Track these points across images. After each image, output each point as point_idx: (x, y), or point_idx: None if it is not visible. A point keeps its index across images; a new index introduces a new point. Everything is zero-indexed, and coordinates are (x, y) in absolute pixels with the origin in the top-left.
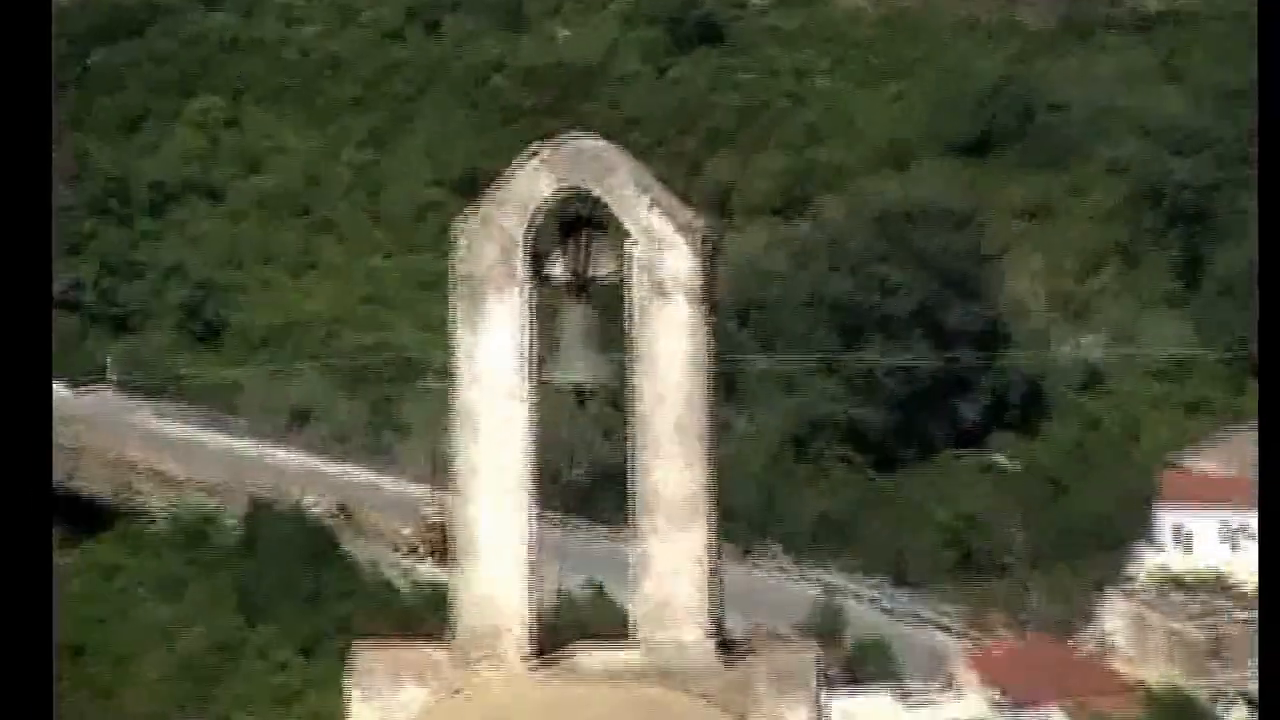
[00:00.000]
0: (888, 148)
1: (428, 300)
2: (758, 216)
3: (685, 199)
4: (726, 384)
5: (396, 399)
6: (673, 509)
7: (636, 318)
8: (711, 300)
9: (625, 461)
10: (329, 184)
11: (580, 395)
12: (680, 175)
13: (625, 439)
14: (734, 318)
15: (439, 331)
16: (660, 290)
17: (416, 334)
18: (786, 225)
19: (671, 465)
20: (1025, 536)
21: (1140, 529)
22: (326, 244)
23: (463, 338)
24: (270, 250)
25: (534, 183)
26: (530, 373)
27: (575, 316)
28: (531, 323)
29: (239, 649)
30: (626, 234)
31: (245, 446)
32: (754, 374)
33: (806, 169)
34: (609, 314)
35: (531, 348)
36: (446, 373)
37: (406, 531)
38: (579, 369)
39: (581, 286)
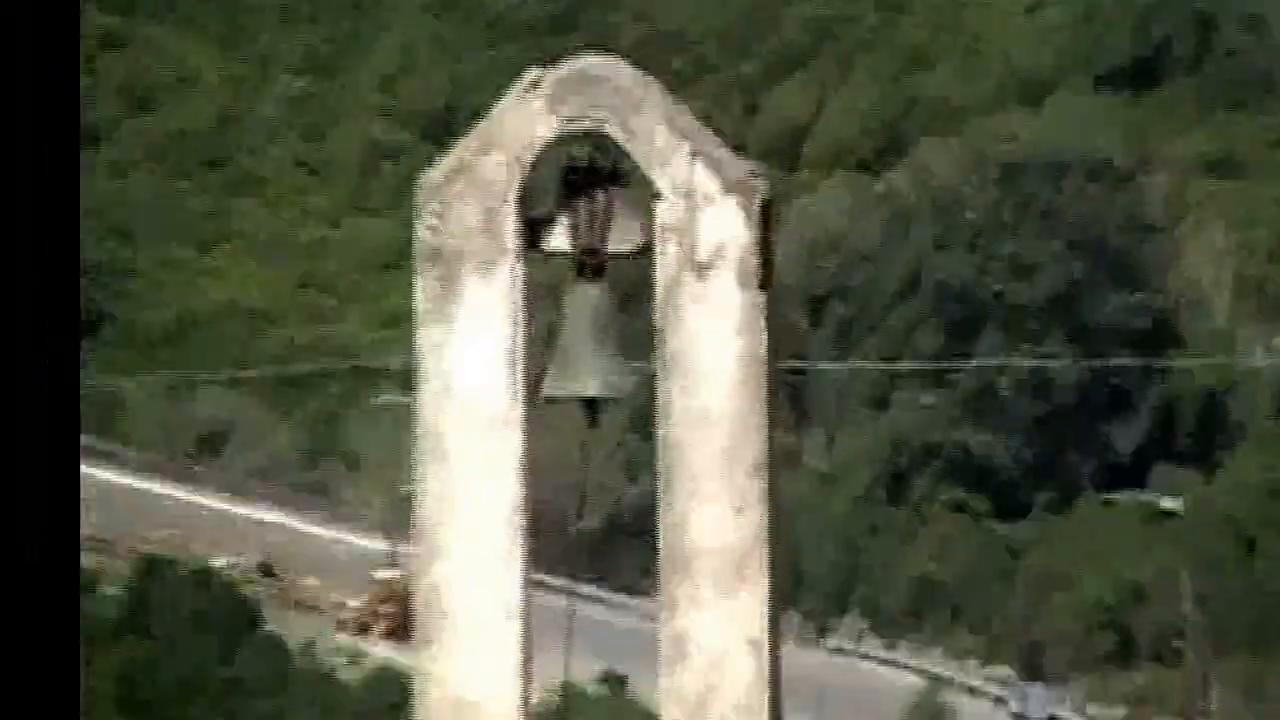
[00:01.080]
0: (1017, 77)
1: (383, 284)
2: (838, 169)
3: (738, 146)
4: (792, 399)
5: (340, 419)
6: (718, 571)
7: (669, 308)
8: (771, 284)
9: (654, 506)
10: (250, 125)
11: (592, 413)
12: (733, 113)
13: (654, 474)
14: (803, 308)
15: (399, 327)
16: (702, 270)
17: (368, 331)
18: (877, 182)
19: (716, 511)
20: (1202, 610)
21: None
22: (246, 208)
23: (430, 336)
24: (169, 216)
25: (531, 122)
26: (522, 383)
27: (585, 305)
28: (525, 314)
29: None
30: (656, 194)
31: (133, 484)
32: (830, 386)
33: (904, 105)
34: (631, 302)
35: (524, 349)
36: (409, 384)
37: (354, 603)
38: (589, 377)
39: (594, 265)
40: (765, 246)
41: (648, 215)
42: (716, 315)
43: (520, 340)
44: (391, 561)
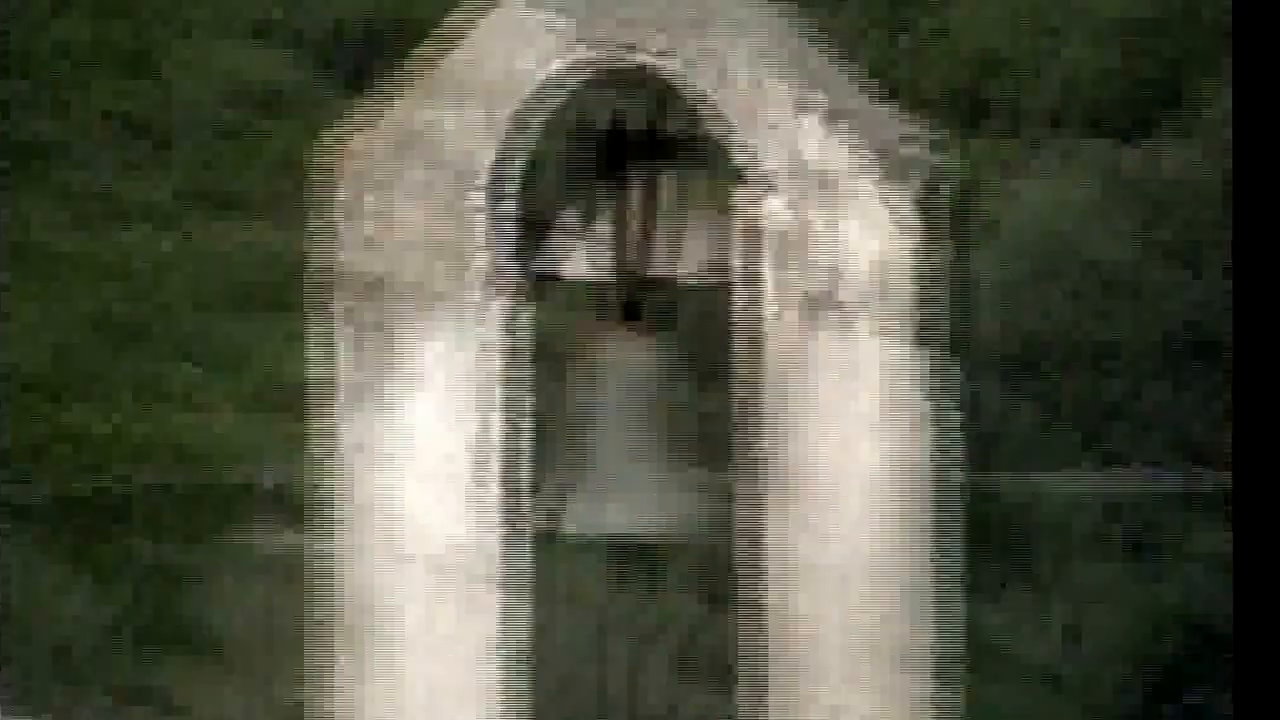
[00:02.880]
0: None
1: (247, 335)
2: (1062, 134)
3: (887, 92)
4: (978, 527)
5: (173, 578)
6: None
7: (761, 378)
8: (942, 330)
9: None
10: (19, 56)
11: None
12: (874, 38)
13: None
14: (1001, 367)
15: (279, 412)
16: (821, 311)
17: (219, 419)
18: (1131, 152)
19: None
20: None
21: None
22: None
23: (347, 429)
24: None
25: (528, 50)
26: (511, 515)
27: (627, 373)
28: (519, 389)
29: None
30: (738, 174)
31: None
32: (1055, 499)
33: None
34: (707, 370)
35: (520, 451)
36: (299, 514)
37: None
38: (633, 502)
39: (633, 300)
40: (937, 266)
41: (725, 218)
42: (848, 388)
43: (507, 434)
44: None
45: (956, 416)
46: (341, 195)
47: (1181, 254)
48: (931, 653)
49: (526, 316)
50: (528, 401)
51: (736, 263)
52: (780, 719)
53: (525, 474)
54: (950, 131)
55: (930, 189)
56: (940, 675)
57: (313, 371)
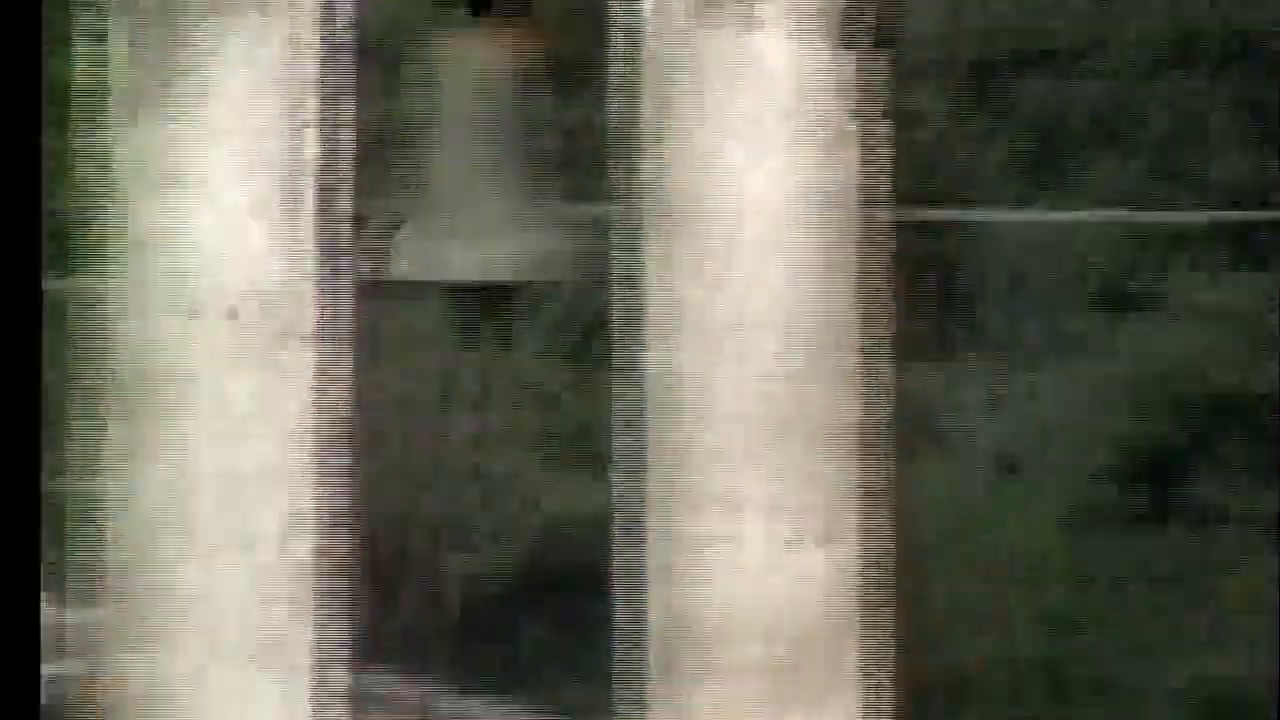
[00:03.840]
0: None
1: None
2: None
3: None
4: (912, 273)
5: None
6: (769, 667)
7: (651, 87)
8: (889, 41)
9: (607, 532)
10: None
11: (483, 313)
12: None
13: (611, 468)
14: (941, 74)
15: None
16: (724, 6)
17: None
18: None
19: (764, 544)
20: None
21: None
22: None
23: (115, 146)
24: None
25: None
26: (329, 257)
27: (471, 81)
28: (334, 102)
29: None
30: None
31: None
32: (1010, 239)
33: None
34: (569, 77)
35: (338, 175)
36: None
37: None
38: (481, 239)
39: None
40: None
41: None
42: (758, 107)
43: (324, 155)
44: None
45: (885, 134)
46: None
47: None
48: (855, 429)
49: (346, 3)
50: (349, 114)
51: None
52: (664, 510)
53: (346, 204)
54: None
55: None
56: (864, 456)
57: (80, 78)
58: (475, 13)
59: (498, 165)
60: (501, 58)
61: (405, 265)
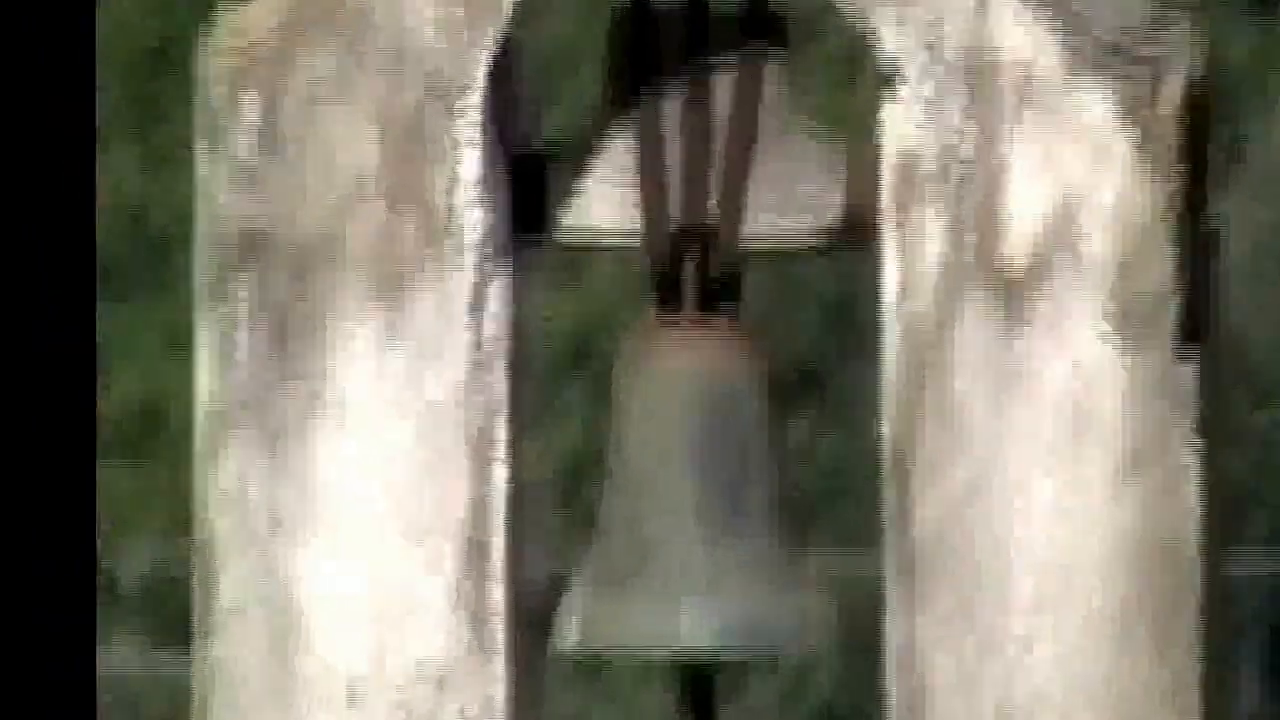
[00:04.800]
0: None
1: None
2: None
3: None
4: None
5: None
6: None
7: (917, 395)
8: (1208, 331)
9: None
10: None
11: (698, 687)
12: None
13: None
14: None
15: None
16: (1011, 292)
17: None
18: None
19: None
20: None
21: None
22: None
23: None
24: None
25: None
26: (513, 630)
27: (687, 399)
28: (498, 419)
29: None
30: (883, 77)
31: None
32: None
33: None
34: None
35: (505, 519)
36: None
37: None
38: (695, 598)
39: (712, 280)
40: (1206, 233)
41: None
42: (1057, 432)
43: (511, 496)
44: None
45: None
46: (252, 116)
47: None
48: None
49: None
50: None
51: (886, 214)
52: None
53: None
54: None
55: (1194, 99)
56: None
57: (203, 384)
58: (704, 304)
59: (729, 506)
60: (737, 366)
61: (614, 637)
